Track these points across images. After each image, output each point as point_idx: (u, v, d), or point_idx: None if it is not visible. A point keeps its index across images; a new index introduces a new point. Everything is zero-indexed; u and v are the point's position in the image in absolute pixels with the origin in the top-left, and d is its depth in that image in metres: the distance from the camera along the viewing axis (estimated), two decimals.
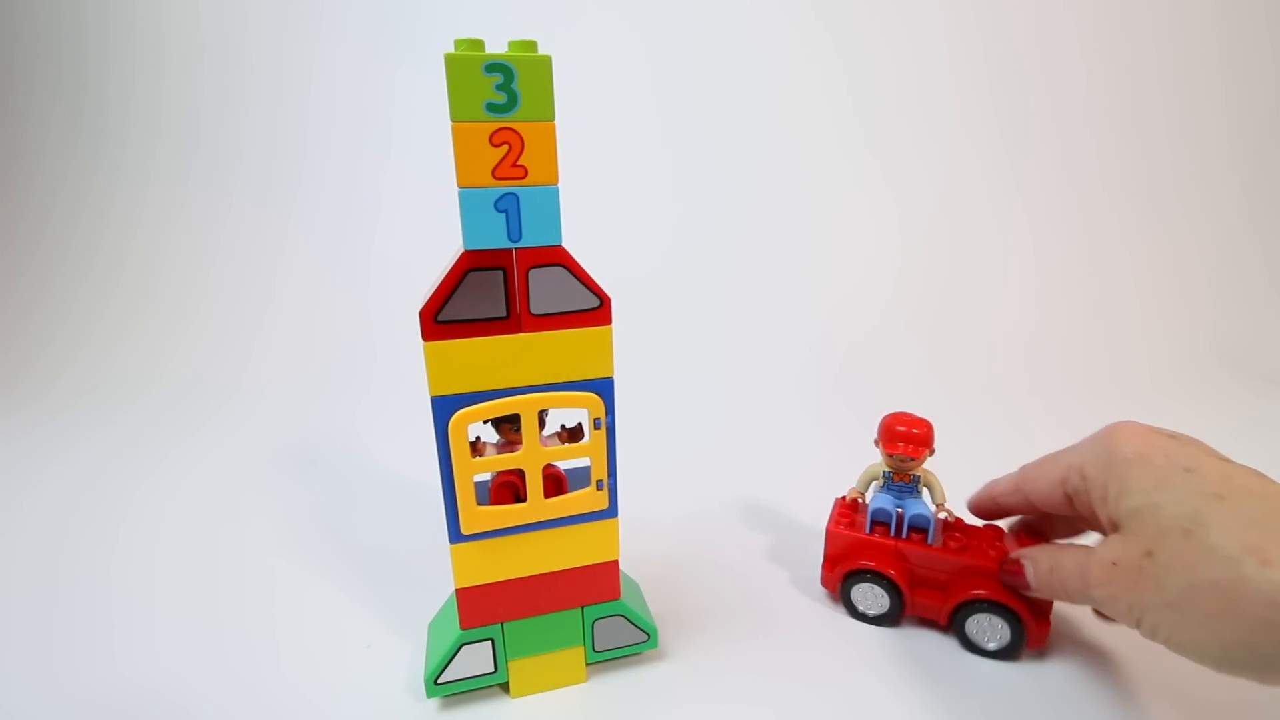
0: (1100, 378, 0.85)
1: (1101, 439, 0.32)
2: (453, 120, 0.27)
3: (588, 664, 0.38)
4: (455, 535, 0.33)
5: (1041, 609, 0.38)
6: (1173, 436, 0.30)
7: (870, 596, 0.42)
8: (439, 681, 0.35)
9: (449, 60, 0.26)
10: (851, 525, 0.43)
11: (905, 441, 0.40)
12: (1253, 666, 0.25)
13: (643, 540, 0.51)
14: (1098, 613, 0.37)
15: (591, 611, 0.36)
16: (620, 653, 0.38)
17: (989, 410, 0.77)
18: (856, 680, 0.38)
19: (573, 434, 0.35)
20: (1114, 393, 0.81)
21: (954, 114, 1.00)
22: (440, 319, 0.29)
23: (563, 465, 0.36)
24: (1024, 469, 0.37)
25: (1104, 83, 0.99)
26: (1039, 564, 0.34)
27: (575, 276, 0.31)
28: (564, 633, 0.36)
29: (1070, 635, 0.41)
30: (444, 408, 0.31)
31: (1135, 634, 0.30)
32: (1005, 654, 0.39)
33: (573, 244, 0.30)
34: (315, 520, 0.55)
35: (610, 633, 0.37)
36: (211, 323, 0.94)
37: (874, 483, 0.43)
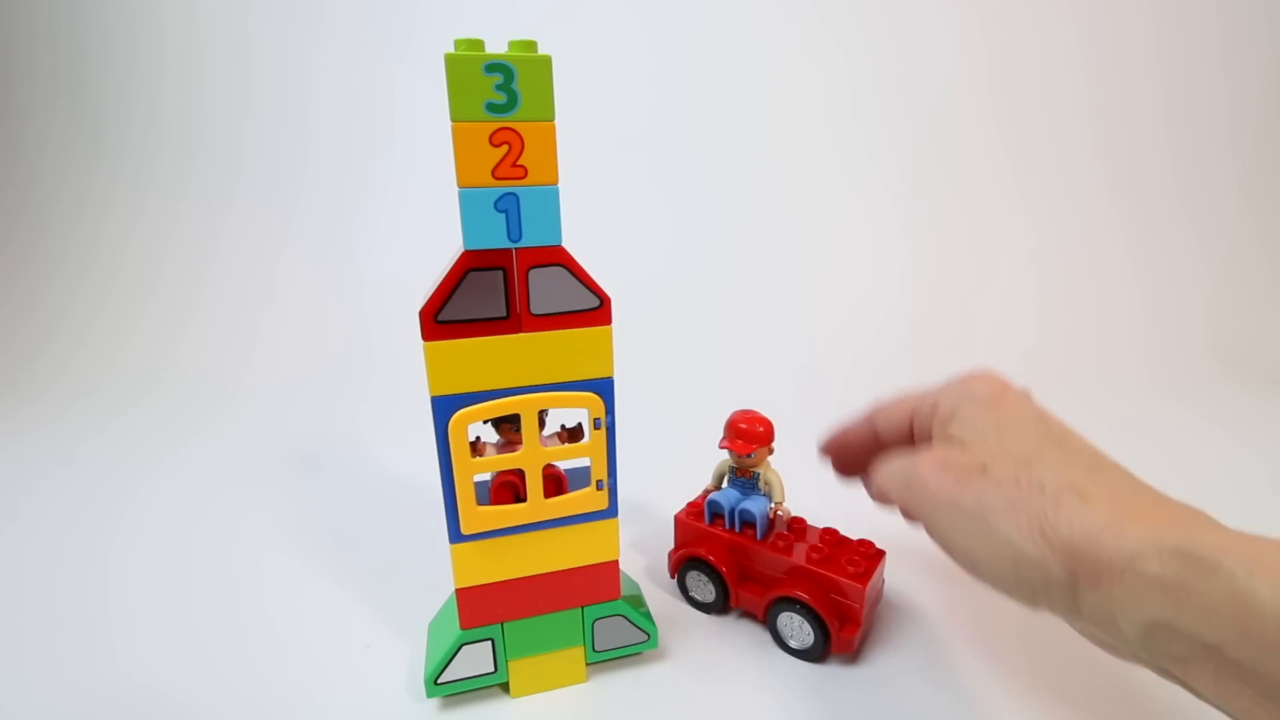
0: (1101, 378, 0.85)
1: (960, 381, 0.32)
2: (453, 120, 0.27)
3: (588, 664, 0.38)
4: (455, 535, 0.33)
5: (849, 616, 0.38)
6: (1029, 394, 0.31)
7: (700, 584, 0.43)
8: (439, 681, 0.35)
9: (449, 60, 0.26)
10: (698, 516, 0.44)
11: (738, 438, 0.41)
12: (1029, 591, 0.26)
13: (643, 540, 0.51)
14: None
15: (591, 611, 0.36)
16: (620, 653, 0.38)
17: None
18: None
19: (573, 434, 0.35)
20: (1115, 393, 0.81)
21: (953, 114, 1.00)
22: (440, 319, 0.29)
23: (563, 465, 0.36)
24: (876, 401, 0.37)
25: (1104, 83, 0.99)
26: (876, 475, 0.33)
27: (575, 276, 0.31)
28: (564, 633, 0.36)
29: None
30: (444, 408, 0.31)
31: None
32: (808, 655, 0.39)
33: (573, 244, 0.30)
34: (315, 520, 0.55)
35: (610, 633, 0.37)
36: (211, 323, 0.94)
37: (725, 478, 0.44)
